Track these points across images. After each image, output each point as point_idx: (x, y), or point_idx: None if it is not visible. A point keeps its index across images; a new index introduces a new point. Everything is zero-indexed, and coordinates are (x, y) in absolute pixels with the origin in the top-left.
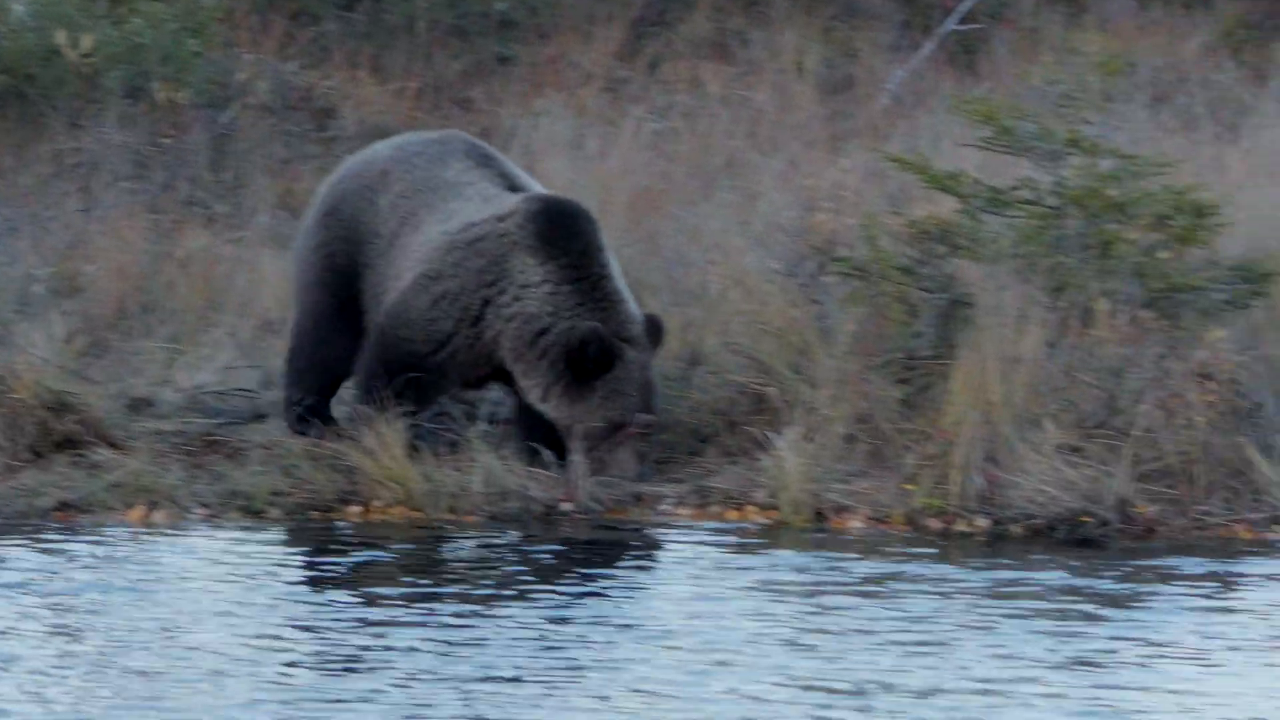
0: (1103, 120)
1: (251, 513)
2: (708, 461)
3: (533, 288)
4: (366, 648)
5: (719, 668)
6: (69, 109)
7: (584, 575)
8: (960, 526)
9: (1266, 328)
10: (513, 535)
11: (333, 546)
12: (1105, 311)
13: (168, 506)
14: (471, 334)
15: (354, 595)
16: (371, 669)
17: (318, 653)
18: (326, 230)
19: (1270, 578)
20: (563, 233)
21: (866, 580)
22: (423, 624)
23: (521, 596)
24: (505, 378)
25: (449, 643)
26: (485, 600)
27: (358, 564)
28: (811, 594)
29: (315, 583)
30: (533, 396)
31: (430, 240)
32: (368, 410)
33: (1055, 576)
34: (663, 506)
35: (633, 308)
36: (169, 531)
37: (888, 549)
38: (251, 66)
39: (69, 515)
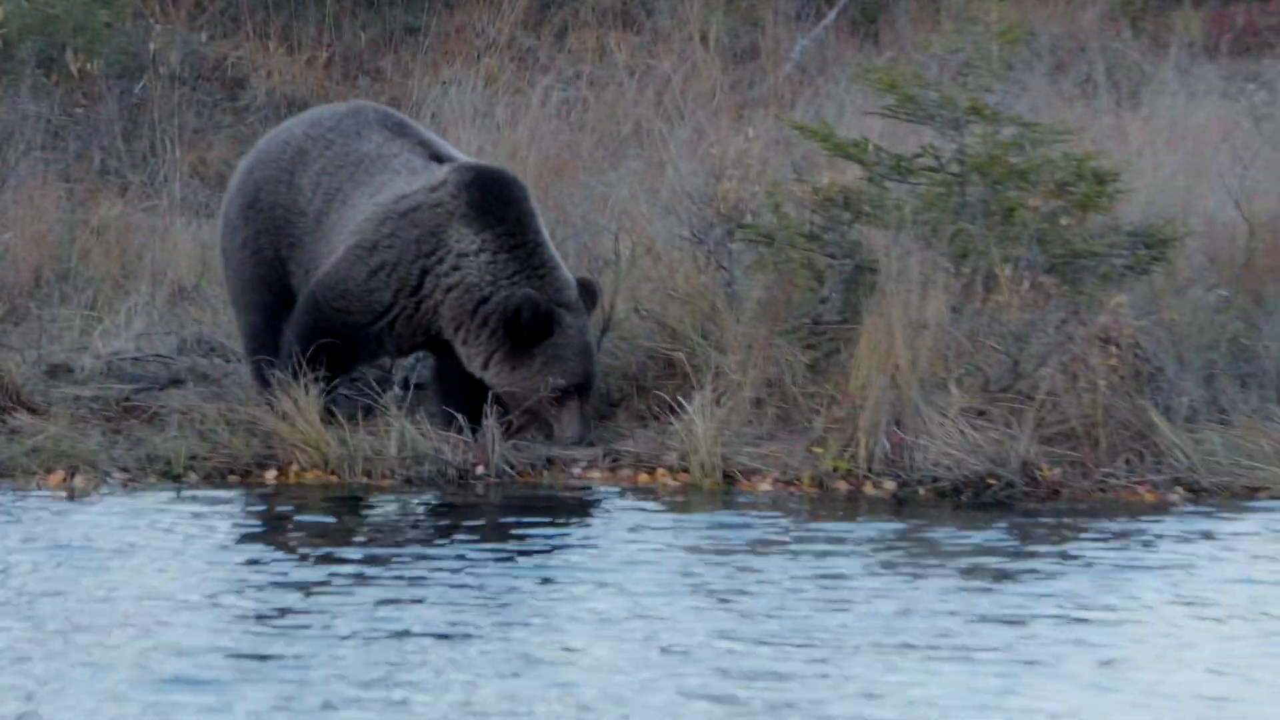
0: (1003, 88)
1: (170, 477)
2: (619, 426)
3: (470, 256)
4: (288, 609)
5: (638, 621)
6: None
7: (498, 538)
8: (868, 489)
9: (1166, 293)
10: (427, 498)
11: (251, 510)
12: (1008, 277)
13: (87, 471)
14: (410, 304)
15: (273, 557)
16: (294, 628)
17: (240, 614)
18: (249, 225)
19: (1173, 537)
20: (497, 201)
21: (775, 540)
22: (337, 585)
23: (436, 558)
24: (437, 346)
25: (365, 603)
26: (399, 561)
27: (274, 527)
28: (723, 553)
29: (236, 546)
30: (474, 365)
31: (362, 213)
32: (284, 376)
33: (962, 536)
34: (575, 470)
35: (566, 273)
36: (89, 504)
37: (797, 510)
38: (162, 37)
39: None
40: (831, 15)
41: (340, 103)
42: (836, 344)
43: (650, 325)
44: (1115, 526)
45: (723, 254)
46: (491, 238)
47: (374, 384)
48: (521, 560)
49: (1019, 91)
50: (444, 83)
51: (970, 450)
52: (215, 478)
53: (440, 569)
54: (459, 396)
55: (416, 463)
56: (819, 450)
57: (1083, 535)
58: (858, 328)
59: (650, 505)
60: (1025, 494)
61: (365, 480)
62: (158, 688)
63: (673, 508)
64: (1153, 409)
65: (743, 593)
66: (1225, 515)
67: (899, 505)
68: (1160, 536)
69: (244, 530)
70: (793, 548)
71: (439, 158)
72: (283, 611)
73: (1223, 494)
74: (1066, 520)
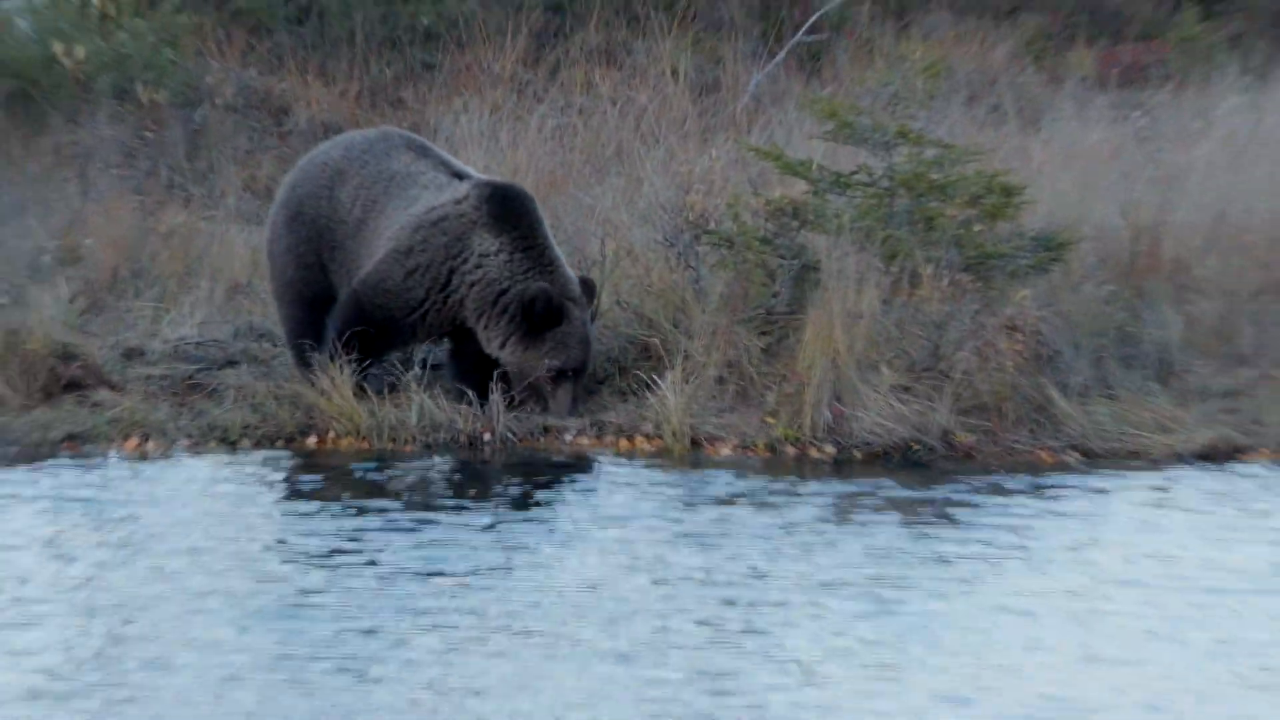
0: (926, 116)
1: (227, 442)
2: (603, 400)
3: (491, 256)
4: (334, 549)
5: (625, 559)
6: (67, 108)
7: (503, 492)
8: (812, 453)
9: (1063, 288)
10: (443, 461)
11: (295, 470)
12: (929, 275)
13: (157, 438)
14: (440, 298)
15: (315, 509)
16: (340, 565)
17: (292, 554)
18: (292, 233)
19: (1068, 492)
20: (512, 211)
21: (736, 495)
22: (370, 530)
23: (451, 509)
24: (458, 333)
25: (397, 545)
26: (421, 512)
27: (315, 485)
28: (692, 506)
29: (283, 500)
30: (492, 346)
31: (397, 222)
32: (322, 359)
33: (892, 492)
34: (566, 437)
35: (569, 271)
36: (158, 463)
37: (753, 471)
38: (219, 73)
39: (75, 445)
40: (781, 55)
41: (370, 128)
42: (786, 331)
43: (630, 315)
44: (1020, 483)
45: (691, 256)
46: (508, 241)
47: (398, 365)
48: (522, 512)
49: (939, 119)
50: (456, 111)
51: (898, 420)
52: (264, 443)
53: (454, 519)
54: (470, 376)
55: (434, 430)
56: (771, 420)
57: (993, 491)
58: (804, 317)
59: (630, 466)
60: (944, 457)
61: (390, 445)
62: (234, 612)
63: (649, 469)
64: (1051, 385)
65: (711, 537)
66: (1112, 474)
67: (838, 466)
68: (1057, 491)
69: (290, 487)
70: (751, 502)
71: (459, 175)
72: (331, 552)
73: (1110, 457)
74: (979, 478)
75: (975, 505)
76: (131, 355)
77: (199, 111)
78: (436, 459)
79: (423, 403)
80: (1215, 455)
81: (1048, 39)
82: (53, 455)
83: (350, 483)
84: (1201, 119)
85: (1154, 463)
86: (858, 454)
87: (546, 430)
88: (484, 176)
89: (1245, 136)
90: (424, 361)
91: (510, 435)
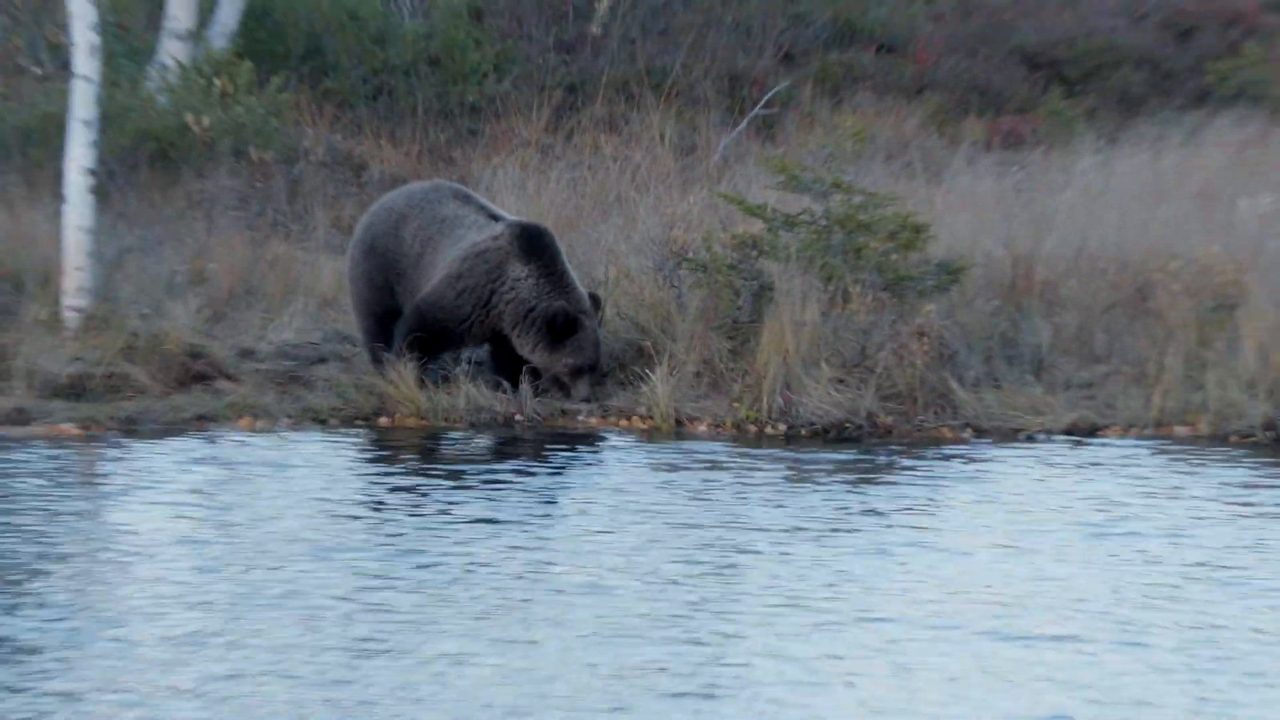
0: (854, 171)
1: (319, 421)
2: (608, 389)
3: (521, 281)
4: (405, 505)
5: (627, 512)
6: (196, 165)
7: (532, 458)
8: (768, 430)
9: (959, 303)
10: (484, 436)
11: (371, 442)
12: (858, 293)
13: (265, 418)
14: (482, 313)
15: (390, 469)
16: (410, 516)
17: (374, 508)
18: (367, 261)
19: (964, 459)
20: (537, 245)
21: (711, 462)
22: (432, 488)
23: (494, 471)
24: (497, 339)
25: (453, 500)
26: (470, 474)
27: (388, 453)
28: (677, 469)
29: (364, 464)
30: (523, 350)
31: (449, 255)
32: (391, 357)
33: (831, 460)
34: (580, 417)
35: (582, 290)
36: (266, 436)
37: (723, 443)
38: (312, 137)
39: (202, 424)
40: (743, 124)
41: (426, 181)
42: (748, 336)
43: (627, 324)
44: (927, 454)
45: (674, 278)
46: (535, 269)
47: (450, 362)
48: (546, 472)
49: (864, 173)
50: (494, 167)
51: (834, 405)
52: (347, 422)
53: (496, 478)
54: (505, 371)
55: (477, 412)
56: (737, 405)
57: (908, 459)
58: (761, 325)
59: (628, 439)
60: (869, 434)
61: (444, 423)
62: (328, 555)
63: (643, 441)
64: (951, 378)
65: (696, 491)
66: (998, 446)
67: (788, 441)
68: (956, 459)
69: (368, 454)
70: (723, 466)
71: (495, 217)
72: (403, 501)
73: (996, 433)
74: (896, 449)
75: (893, 469)
76: (245, 354)
77: (297, 167)
78: (479, 434)
79: (469, 391)
80: (1077, 431)
81: (947, 113)
82: (185, 431)
83: (415, 450)
84: (1064, 174)
85: (1029, 438)
86: (803, 431)
87: (564, 412)
88: (515, 218)
89: (1098, 188)
90: (470, 359)
91: (536, 416)
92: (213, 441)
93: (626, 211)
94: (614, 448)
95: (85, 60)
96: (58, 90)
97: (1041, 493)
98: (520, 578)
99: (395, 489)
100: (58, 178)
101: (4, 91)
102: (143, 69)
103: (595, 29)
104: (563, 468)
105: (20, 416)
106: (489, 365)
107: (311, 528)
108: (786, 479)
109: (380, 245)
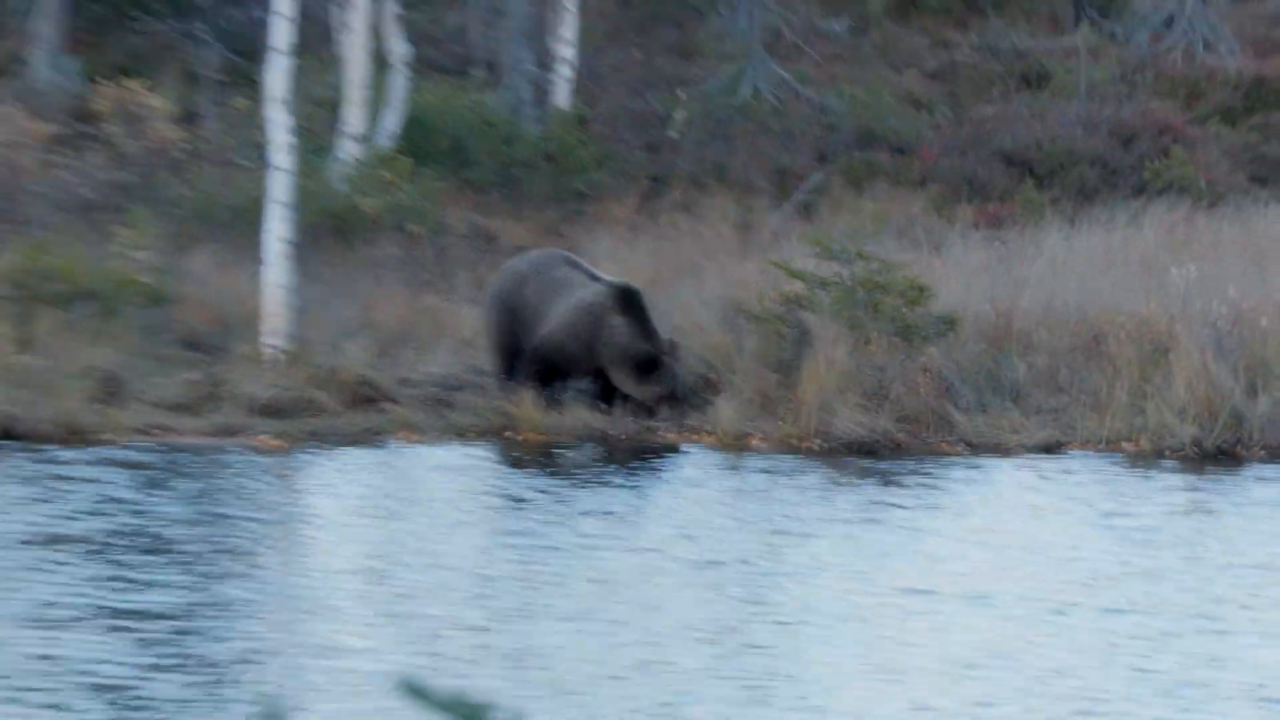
0: (873, 244)
1: (460, 435)
2: (684, 411)
3: (618, 329)
4: (535, 493)
5: (700, 506)
6: (365, 236)
7: (625, 461)
8: (808, 445)
9: (955, 346)
10: (588, 447)
11: (503, 455)
12: (876, 338)
13: (420, 432)
14: (587, 354)
15: (518, 471)
16: (537, 509)
17: (502, 502)
18: (497, 312)
19: (960, 467)
20: (630, 301)
21: (767, 470)
22: (553, 482)
23: (598, 471)
24: (599, 373)
25: (572, 487)
26: (580, 474)
27: (516, 459)
28: (738, 471)
29: (496, 468)
30: (619, 382)
31: (561, 308)
32: (516, 386)
33: (859, 467)
34: (659, 434)
35: (663, 336)
36: (420, 446)
37: (775, 455)
38: (455, 214)
39: (370, 436)
40: (787, 207)
41: (543, 250)
42: (791, 371)
43: (698, 361)
44: (931, 464)
45: (734, 326)
46: (628, 319)
47: (562, 390)
48: (637, 474)
49: (880, 246)
50: (595, 239)
51: (859, 425)
52: (482, 436)
53: (601, 477)
54: (603, 397)
55: (583, 429)
56: (783, 424)
57: (917, 467)
58: (802, 363)
59: (701, 451)
60: (887, 448)
61: (557, 438)
62: (483, 538)
63: (711, 452)
64: (949, 405)
65: (748, 491)
66: (987, 459)
67: (825, 453)
68: (953, 469)
69: (497, 457)
70: (777, 467)
71: (596, 278)
72: (531, 496)
73: (985, 449)
74: (908, 461)
75: (906, 475)
76: (403, 382)
77: (443, 238)
78: (586, 446)
79: (577, 412)
80: (1047, 448)
81: (944, 200)
82: (357, 442)
83: (535, 456)
84: (1035, 247)
85: (1009, 451)
86: (836, 446)
87: (649, 429)
88: (612, 279)
89: (1061, 258)
90: (576, 388)
91: (628, 431)
92: (379, 450)
93: (697, 275)
94: (688, 457)
95: (281, 156)
96: (260, 179)
97: (1015, 494)
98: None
99: (523, 483)
100: (259, 246)
101: (219, 180)
102: (325, 163)
103: (673, 134)
104: (649, 469)
105: (231, 430)
106: (591, 392)
107: (474, 510)
108: (823, 481)
109: (508, 299)
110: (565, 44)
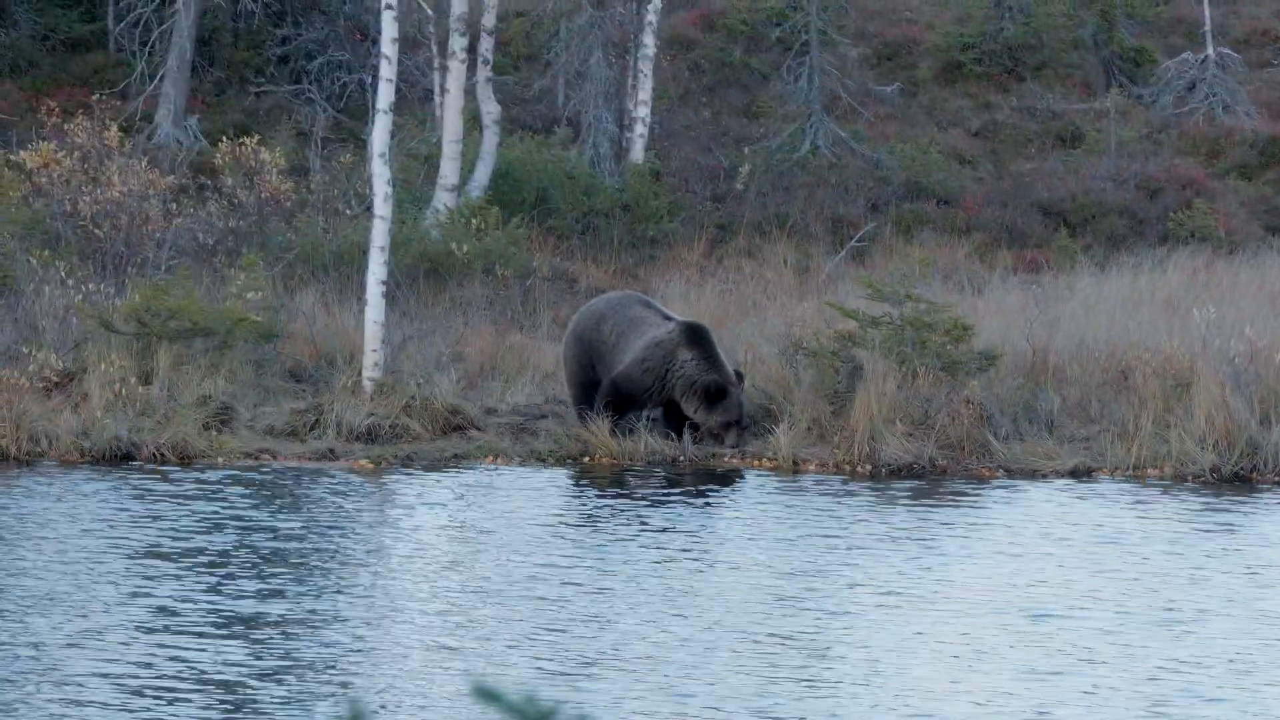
0: (920, 286)
1: (541, 459)
2: (746, 438)
3: (688, 363)
4: (609, 513)
5: (753, 523)
6: (457, 278)
7: (693, 483)
8: (859, 470)
9: (995, 381)
10: (658, 471)
11: (580, 478)
12: (923, 372)
13: (504, 457)
14: (659, 386)
15: (593, 490)
16: (610, 523)
17: (590, 515)
18: (577, 347)
19: (999, 489)
20: (699, 337)
21: (820, 491)
22: (625, 500)
23: (666, 489)
24: (669, 403)
25: (644, 507)
26: (649, 493)
27: (591, 481)
28: (795, 490)
29: (574, 488)
30: (688, 411)
31: (636, 344)
32: (592, 416)
33: (906, 488)
34: (725, 459)
35: (729, 368)
36: (503, 470)
37: (828, 478)
38: (539, 259)
39: (459, 461)
40: (843, 253)
41: (619, 291)
42: (845, 402)
43: (760, 392)
44: (972, 486)
45: (793, 361)
46: (697, 354)
47: (635, 419)
48: (703, 493)
49: (927, 289)
50: (667, 281)
51: (906, 451)
52: (561, 461)
53: (668, 497)
54: (672, 425)
55: (653, 454)
56: (838, 451)
57: (958, 489)
58: (855, 395)
59: (761, 474)
60: (931, 472)
61: (629, 462)
62: (546, 547)
63: (770, 477)
64: (989, 433)
65: (803, 509)
66: (1023, 483)
67: (874, 476)
68: (994, 491)
69: (575, 481)
70: (826, 493)
71: (668, 318)
72: (606, 515)
73: (1021, 474)
74: (950, 483)
75: (950, 495)
76: (489, 411)
77: (528, 280)
78: (656, 470)
79: (647, 439)
80: (1078, 473)
81: (986, 247)
82: (444, 468)
83: (609, 480)
84: (1069, 290)
85: (1044, 476)
86: (884, 470)
87: (714, 454)
88: (682, 318)
89: (1093, 300)
90: (648, 417)
91: (695, 457)
92: (468, 473)
93: (760, 314)
94: (751, 481)
95: (381, 205)
96: (362, 226)
97: (1047, 510)
98: (701, 567)
99: (600, 501)
100: (360, 287)
101: (325, 227)
102: (422, 212)
103: (739, 186)
104: (713, 490)
105: (331, 454)
106: (660, 421)
107: (554, 527)
108: (873, 503)
109: (586, 336)
110: (642, 105)
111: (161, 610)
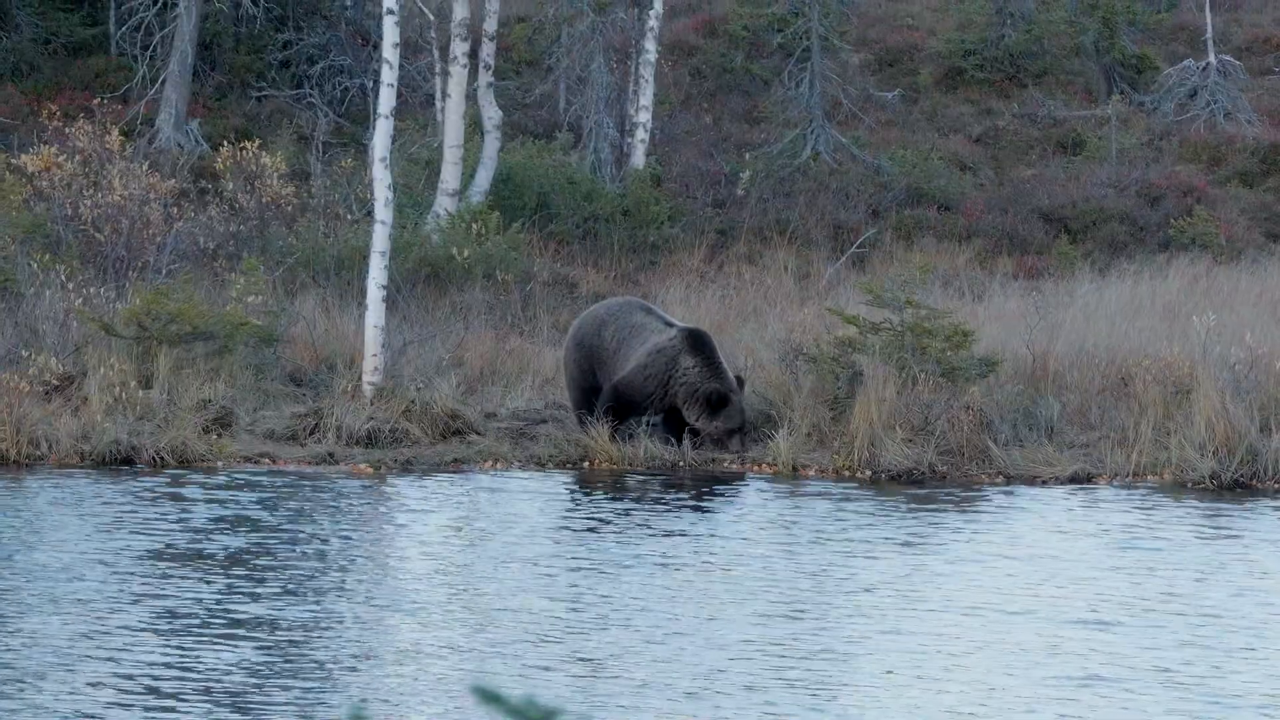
0: (921, 292)
1: (540, 464)
2: (746, 444)
3: (689, 369)
4: (606, 517)
5: (754, 525)
6: (457, 283)
7: (693, 487)
8: (858, 474)
9: (995, 386)
10: (658, 476)
11: (578, 482)
12: (922, 378)
13: (502, 461)
14: (661, 393)
15: (591, 493)
16: (611, 528)
17: (585, 521)
18: (577, 353)
19: (997, 494)
20: (700, 344)
21: (818, 494)
22: (623, 504)
23: (665, 493)
24: (670, 409)
25: (644, 512)
26: (650, 497)
27: (591, 485)
28: (797, 495)
29: (574, 493)
30: (690, 418)
31: (638, 351)
32: (592, 421)
33: (904, 493)
34: (726, 464)
35: (731, 374)
36: (503, 474)
37: (827, 482)
38: (540, 264)
39: (457, 465)
40: (843, 259)
41: (620, 297)
42: (844, 408)
43: (760, 398)
44: (970, 492)
45: (793, 366)
46: (698, 361)
47: (634, 425)
48: (702, 498)
49: (928, 294)
50: (668, 287)
51: (905, 457)
52: (561, 466)
53: (666, 500)
54: (673, 431)
55: (653, 460)
56: (836, 456)
57: (958, 493)
58: (854, 400)
59: (762, 478)
60: (930, 478)
61: (629, 467)
62: (558, 551)
63: (770, 481)
64: (988, 439)
65: (801, 514)
66: (1021, 489)
67: (874, 482)
68: (991, 497)
69: (575, 485)
70: (825, 498)
71: (669, 324)
72: (607, 519)
73: (1020, 480)
74: (950, 489)
75: (948, 502)
76: (489, 416)
77: (529, 285)
78: (656, 475)
79: (647, 444)
80: (1077, 479)
81: (986, 253)
82: (444, 472)
83: (609, 484)
84: (1069, 296)
85: (1044, 483)
86: (883, 476)
87: (714, 460)
88: (683, 324)
89: (1093, 306)
90: (648, 423)
91: (695, 462)
92: (464, 479)
93: (760, 319)
94: (751, 485)
95: (382, 210)
96: (363, 231)
97: (1045, 517)
98: (706, 566)
99: (595, 505)
100: (361, 291)
101: (325, 232)
102: (422, 216)
103: (740, 192)
104: (713, 494)
105: (331, 459)
106: (661, 427)
107: (554, 531)
108: (873, 507)
109: (587, 342)
110: (643, 110)
111: (161, 613)
